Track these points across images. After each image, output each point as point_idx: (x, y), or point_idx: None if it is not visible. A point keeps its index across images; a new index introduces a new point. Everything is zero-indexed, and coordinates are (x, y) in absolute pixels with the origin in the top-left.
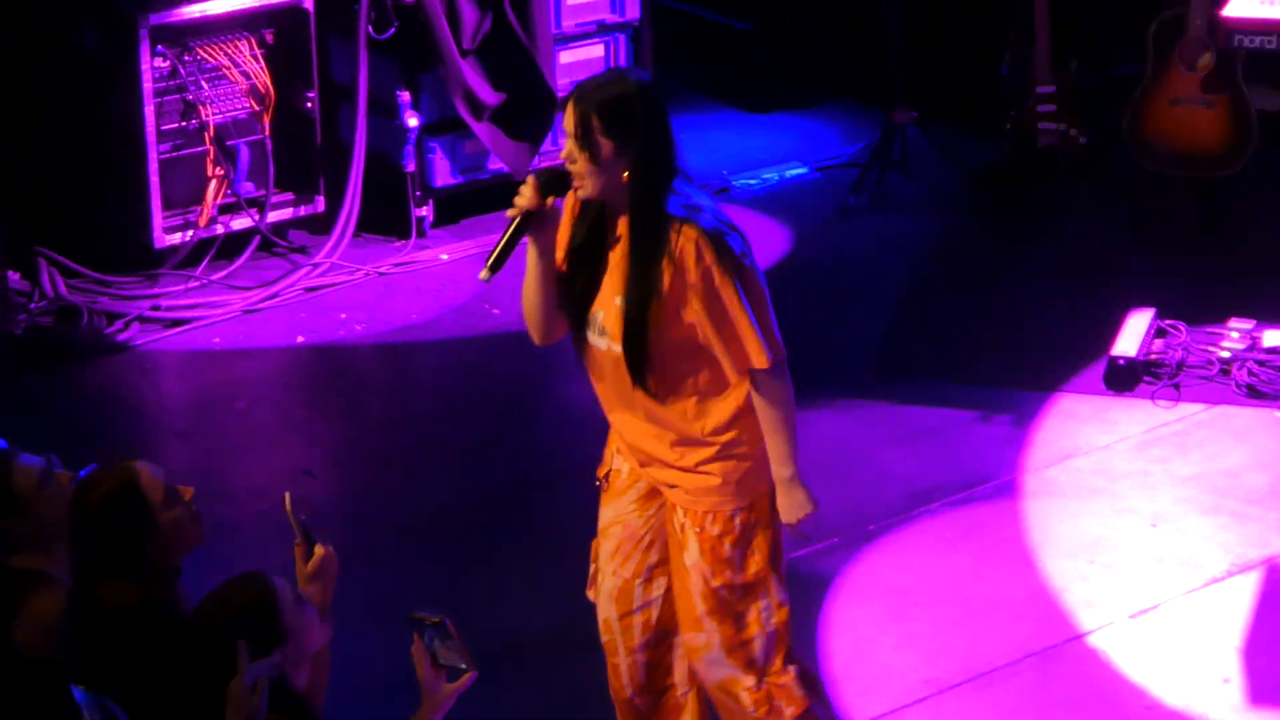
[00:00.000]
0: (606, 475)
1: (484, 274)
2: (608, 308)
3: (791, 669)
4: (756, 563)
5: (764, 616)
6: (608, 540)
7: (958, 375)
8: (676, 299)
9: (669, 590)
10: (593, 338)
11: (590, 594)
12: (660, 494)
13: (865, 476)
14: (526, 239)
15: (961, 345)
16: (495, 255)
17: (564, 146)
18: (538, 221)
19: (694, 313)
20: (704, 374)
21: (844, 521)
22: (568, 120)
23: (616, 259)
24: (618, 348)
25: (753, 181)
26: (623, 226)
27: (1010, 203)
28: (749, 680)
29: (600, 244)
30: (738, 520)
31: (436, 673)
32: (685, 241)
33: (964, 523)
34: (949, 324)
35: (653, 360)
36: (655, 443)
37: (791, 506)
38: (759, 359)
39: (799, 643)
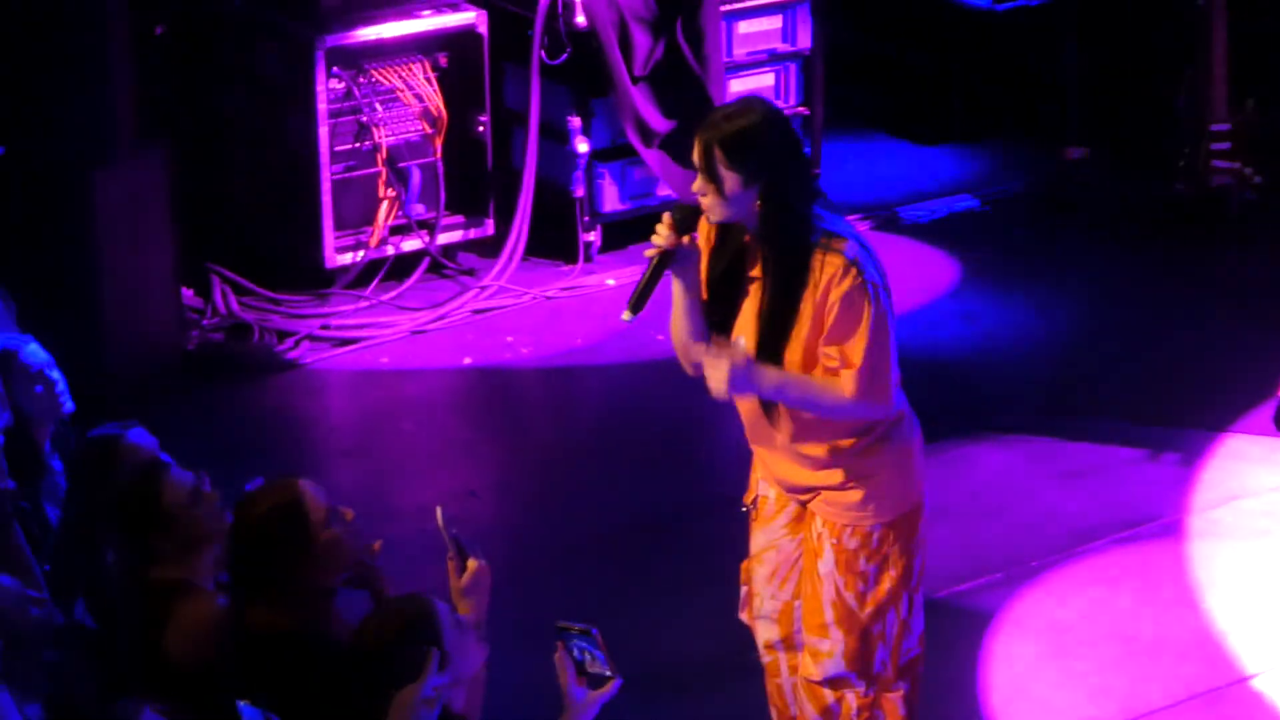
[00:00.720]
0: (755, 501)
1: (626, 315)
2: (749, 335)
3: (902, 688)
4: (890, 579)
5: (889, 632)
6: (763, 565)
7: (1125, 413)
8: (815, 325)
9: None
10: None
11: (744, 616)
12: (805, 514)
13: (1029, 513)
14: (670, 275)
15: (1130, 383)
16: (636, 295)
17: (695, 186)
18: (678, 258)
19: (827, 336)
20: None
21: (1007, 557)
22: (695, 153)
23: (756, 286)
24: None
25: (920, 212)
26: (761, 254)
27: (1182, 241)
28: (861, 686)
29: (741, 272)
30: (876, 536)
31: (580, 681)
32: (829, 267)
33: (1128, 561)
34: (1117, 361)
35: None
36: (797, 466)
37: (723, 375)
38: (851, 386)
39: (960, 675)
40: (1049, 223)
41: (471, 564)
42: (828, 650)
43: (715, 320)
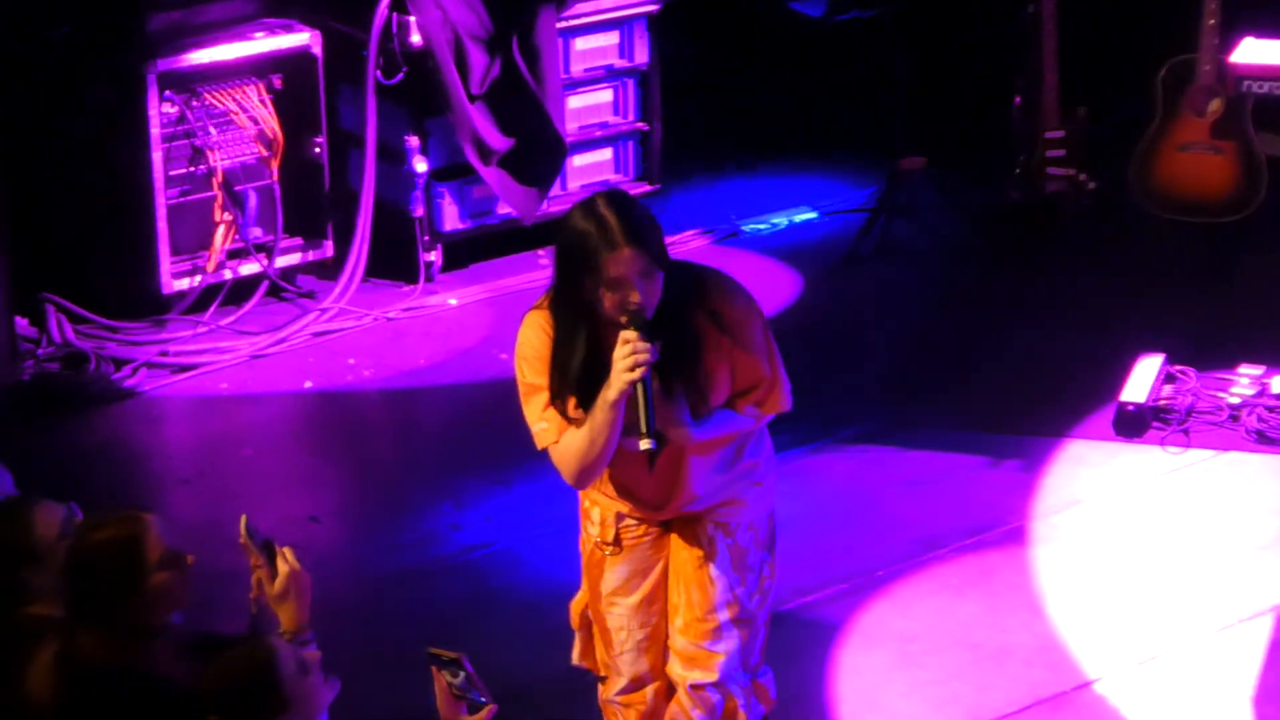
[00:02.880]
0: (616, 538)
1: (645, 444)
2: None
3: (769, 671)
4: (770, 567)
5: (768, 619)
6: (629, 595)
7: (967, 421)
8: (725, 355)
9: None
10: (630, 445)
11: (584, 663)
12: (668, 534)
13: (874, 522)
14: (630, 390)
15: (970, 391)
16: (647, 422)
17: (636, 298)
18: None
19: (731, 361)
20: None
21: (853, 567)
22: (636, 266)
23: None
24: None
25: (762, 227)
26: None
27: (1018, 248)
28: (744, 680)
29: (603, 353)
30: (763, 527)
31: (456, 706)
32: (718, 298)
33: (972, 569)
34: (957, 369)
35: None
36: (688, 498)
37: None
38: (786, 403)
39: (808, 688)
40: (888, 233)
41: (282, 568)
42: (723, 650)
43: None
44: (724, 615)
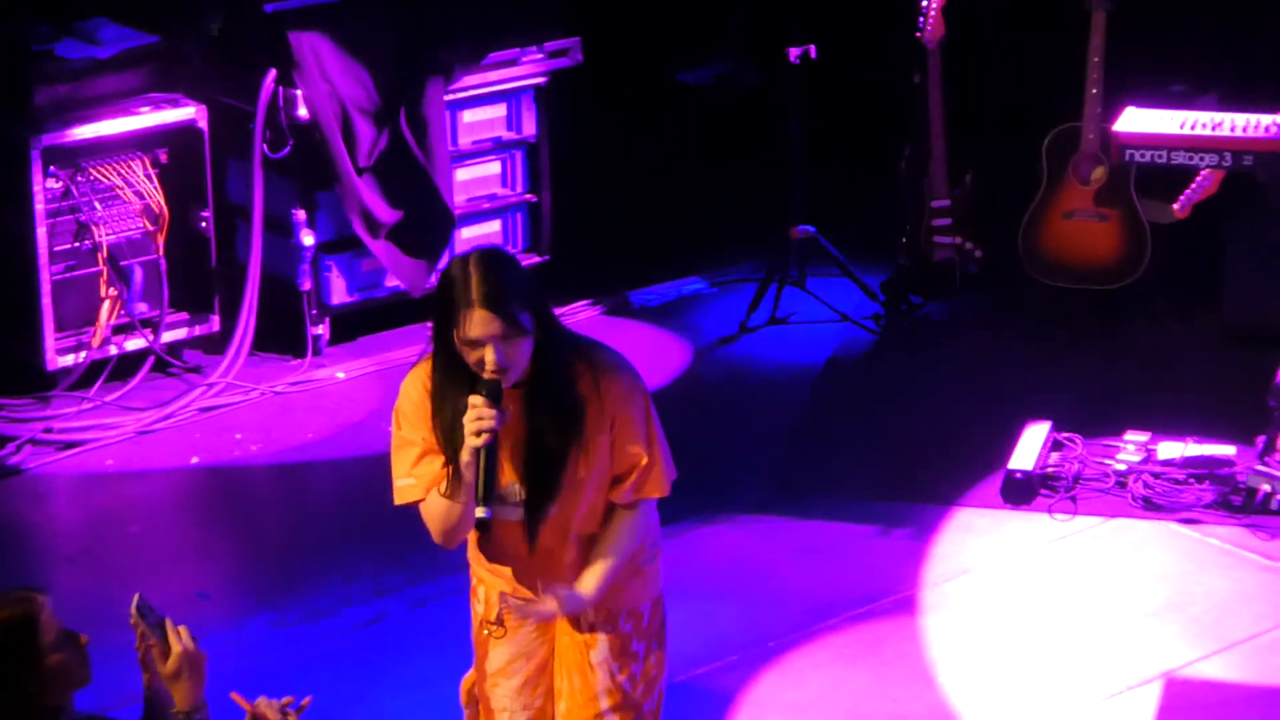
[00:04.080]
0: (499, 618)
1: (480, 513)
2: (514, 472)
3: None
4: (656, 655)
5: (658, 705)
6: (510, 678)
7: (856, 490)
8: (605, 434)
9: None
10: (503, 513)
11: None
12: (553, 619)
13: (765, 592)
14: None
15: (859, 459)
16: (484, 490)
17: (489, 361)
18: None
19: (611, 440)
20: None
21: (744, 638)
22: (487, 327)
23: (511, 428)
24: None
25: (650, 296)
26: (511, 395)
27: (906, 316)
28: None
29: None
30: (646, 614)
31: None
32: (606, 378)
33: (863, 638)
34: (846, 438)
35: (565, 507)
36: (565, 575)
37: (574, 604)
38: (663, 487)
39: None
40: (775, 302)
41: (175, 646)
42: None
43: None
44: (604, 703)
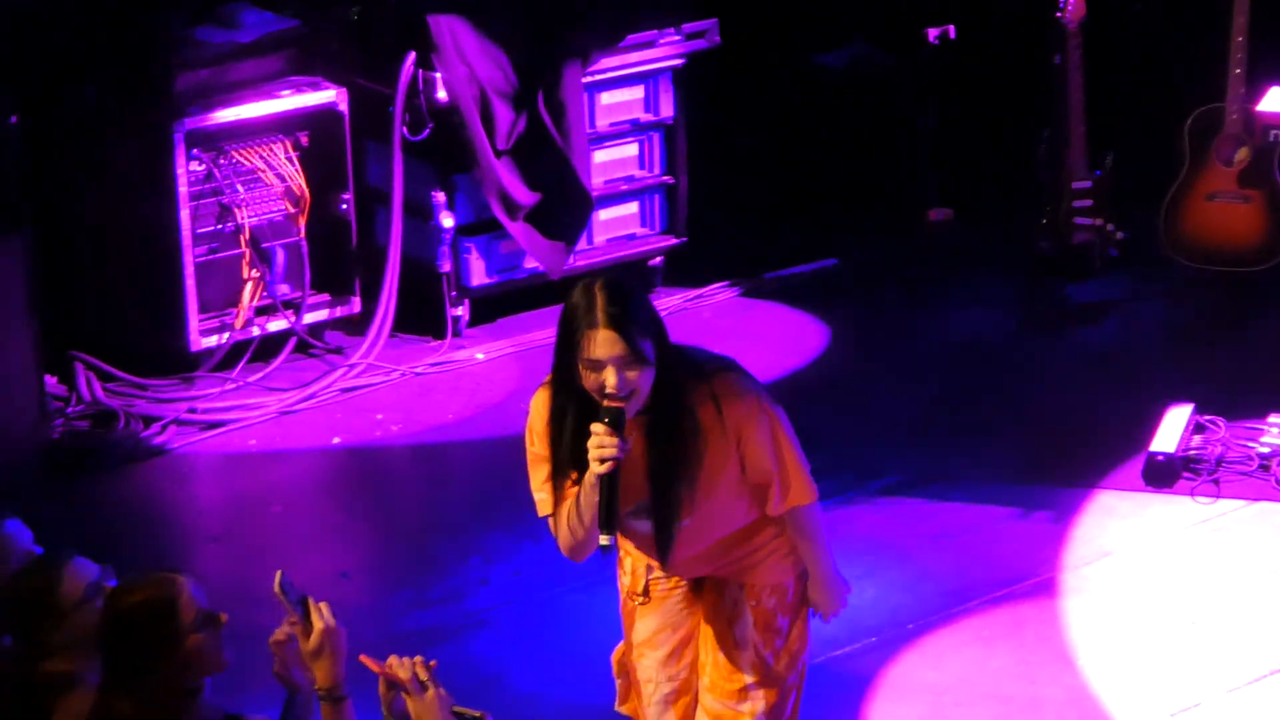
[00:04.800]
0: (645, 589)
1: (604, 540)
2: (641, 493)
3: None
4: (799, 629)
5: (800, 680)
6: (657, 649)
7: (996, 472)
8: (730, 456)
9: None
10: (638, 530)
11: (624, 709)
12: (699, 589)
13: (904, 575)
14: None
15: (999, 442)
16: (604, 517)
17: (610, 384)
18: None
19: (740, 460)
20: (750, 509)
21: (882, 620)
22: (611, 349)
23: (641, 448)
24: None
25: (787, 278)
26: (640, 417)
27: (1046, 299)
28: None
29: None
30: (791, 591)
31: None
32: (726, 396)
33: (1002, 621)
34: (986, 421)
35: (696, 526)
36: (711, 566)
37: (830, 599)
38: (807, 495)
39: None
40: (914, 285)
41: (317, 624)
42: (747, 711)
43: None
44: (749, 677)
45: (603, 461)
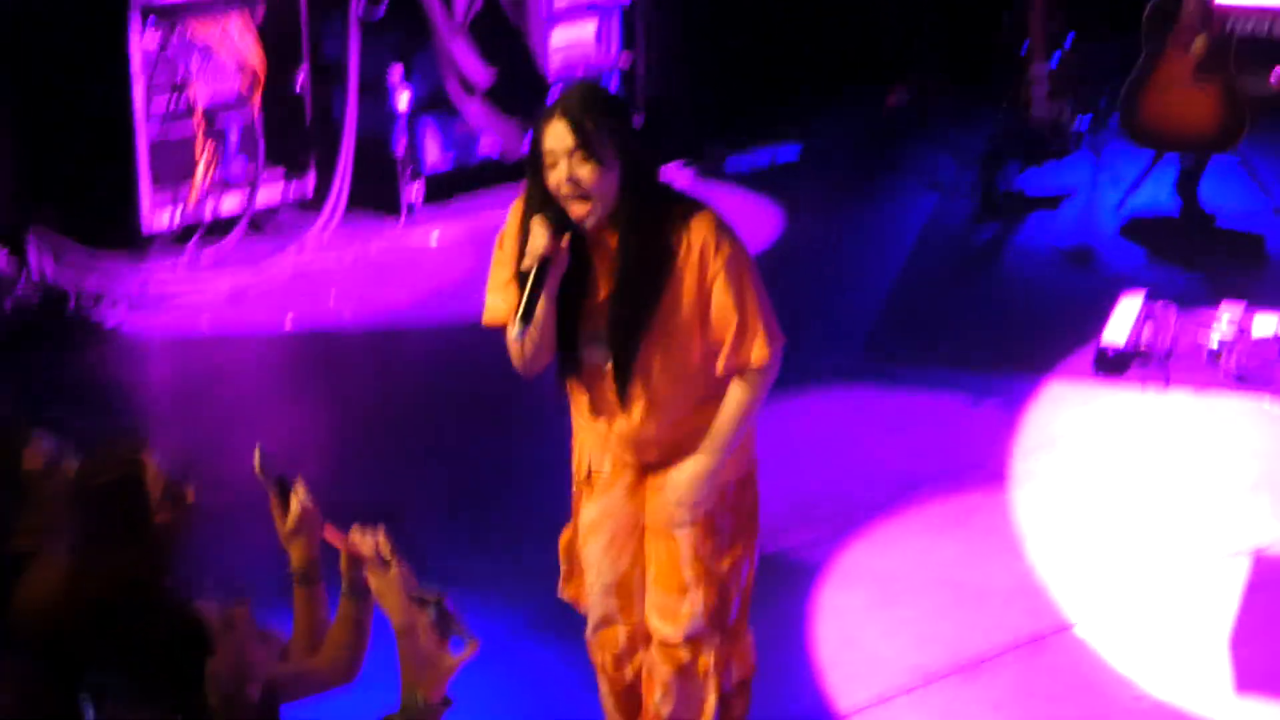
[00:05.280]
0: (588, 475)
1: (514, 329)
2: (603, 318)
3: (750, 633)
4: (743, 533)
5: (742, 584)
6: (598, 537)
7: (947, 360)
8: (692, 291)
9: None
10: (590, 355)
11: (565, 593)
12: (644, 481)
13: (854, 463)
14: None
15: (952, 330)
16: (524, 309)
17: (558, 177)
18: (556, 263)
19: (709, 302)
20: (708, 365)
21: (833, 508)
22: (560, 139)
23: (604, 262)
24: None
25: (745, 161)
26: (612, 236)
27: (1005, 183)
28: (715, 639)
29: (583, 255)
30: (731, 493)
31: (440, 645)
32: (699, 229)
33: (952, 510)
34: (939, 309)
35: (652, 360)
36: (657, 440)
37: (693, 488)
38: (764, 351)
39: (789, 628)
40: (871, 168)
41: (295, 504)
42: (687, 610)
43: (568, 313)
44: (688, 573)
45: (531, 255)
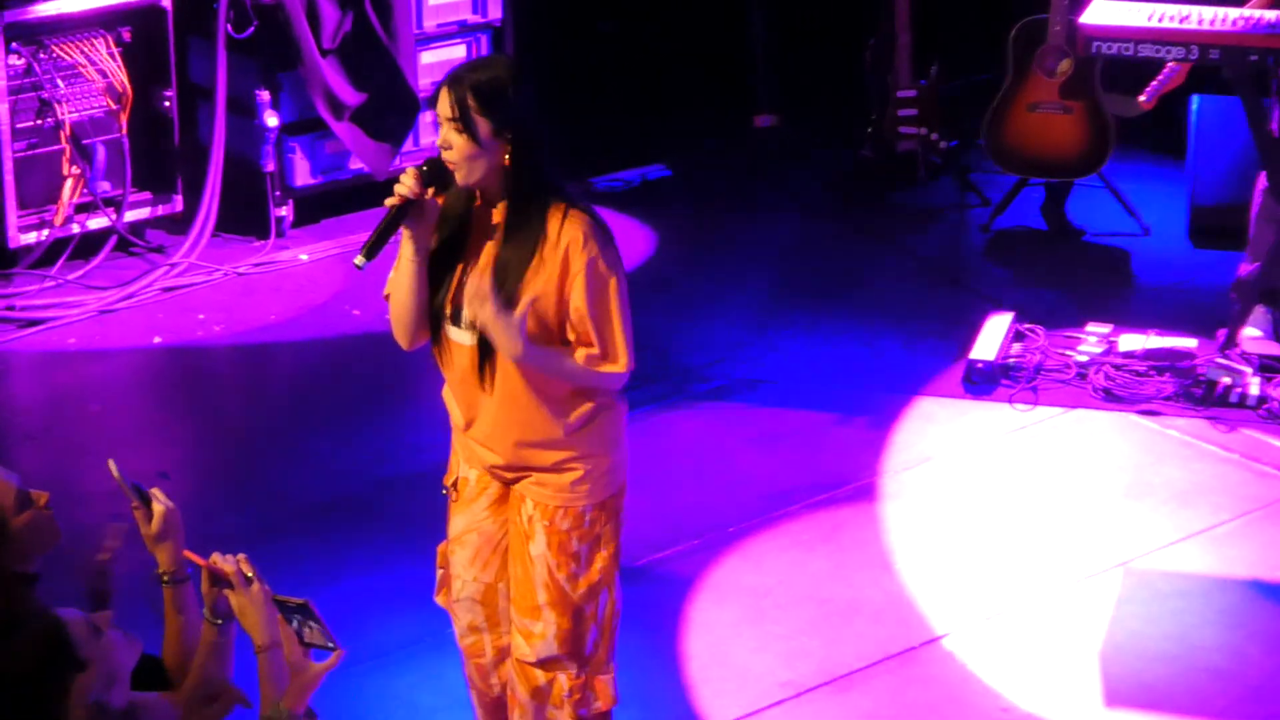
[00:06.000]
0: (455, 483)
1: (359, 260)
2: (476, 298)
3: (613, 667)
4: (602, 560)
5: (600, 612)
6: (464, 548)
7: (817, 377)
8: (552, 282)
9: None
10: (455, 333)
11: (440, 599)
12: (508, 496)
13: (725, 478)
14: (402, 230)
15: (822, 348)
16: (371, 242)
17: (440, 135)
18: (416, 212)
19: (568, 302)
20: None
21: (703, 523)
22: (443, 105)
23: (488, 247)
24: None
25: (614, 182)
26: (498, 215)
27: (870, 207)
28: (572, 667)
29: (465, 235)
30: (588, 517)
31: (304, 653)
32: (572, 226)
33: (822, 525)
34: (810, 327)
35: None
36: (510, 441)
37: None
38: (622, 364)
39: (658, 642)
40: (740, 190)
41: (157, 508)
42: (540, 632)
43: (439, 284)
44: (541, 597)
45: (396, 194)
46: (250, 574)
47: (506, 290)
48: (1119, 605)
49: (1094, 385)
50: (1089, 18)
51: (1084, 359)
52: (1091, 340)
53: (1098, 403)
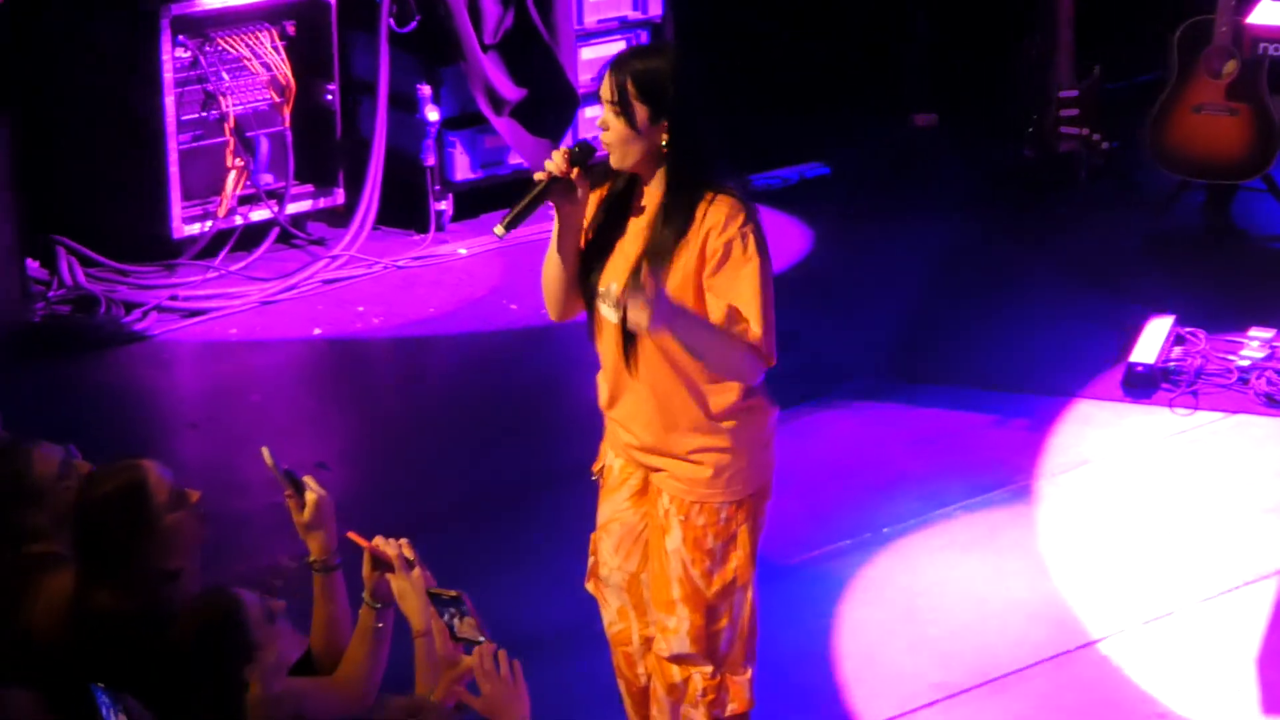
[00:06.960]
0: (601, 470)
1: (499, 229)
2: (622, 278)
3: (750, 669)
4: (738, 559)
5: (735, 612)
6: (609, 536)
7: (975, 379)
8: (691, 262)
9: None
10: (604, 310)
11: (589, 586)
12: (648, 488)
13: (881, 479)
14: (551, 206)
15: (980, 349)
16: (514, 213)
17: (601, 116)
18: (561, 190)
19: (710, 281)
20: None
21: (858, 523)
22: (605, 87)
23: (638, 228)
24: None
25: (773, 179)
26: (650, 198)
27: (1031, 207)
28: (707, 667)
29: (623, 218)
30: (724, 515)
31: (455, 646)
32: (718, 209)
33: (979, 527)
34: (967, 328)
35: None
36: (652, 425)
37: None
38: (759, 339)
39: (810, 642)
40: (898, 189)
41: (310, 497)
42: (674, 627)
43: (591, 263)
44: (676, 591)
45: (544, 171)
46: (412, 558)
47: (653, 272)
48: (1276, 612)
49: (1256, 390)
50: (1256, 19)
51: (1246, 364)
52: (1254, 345)
53: (1260, 408)
